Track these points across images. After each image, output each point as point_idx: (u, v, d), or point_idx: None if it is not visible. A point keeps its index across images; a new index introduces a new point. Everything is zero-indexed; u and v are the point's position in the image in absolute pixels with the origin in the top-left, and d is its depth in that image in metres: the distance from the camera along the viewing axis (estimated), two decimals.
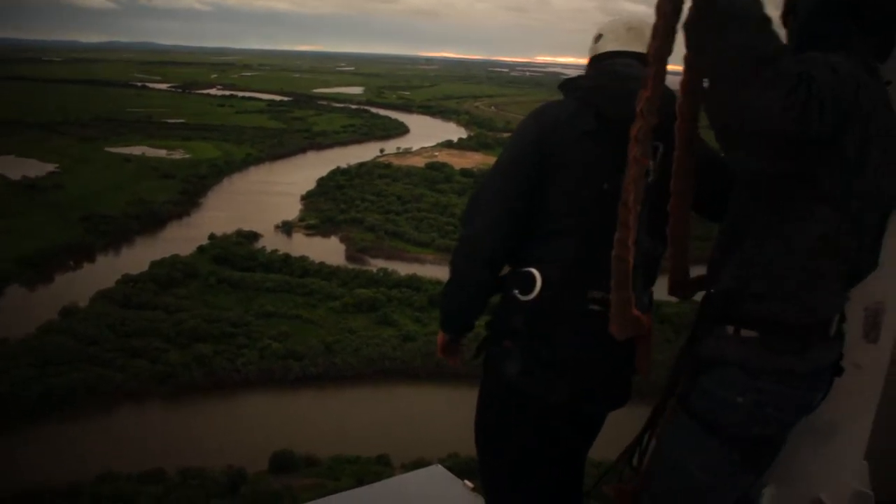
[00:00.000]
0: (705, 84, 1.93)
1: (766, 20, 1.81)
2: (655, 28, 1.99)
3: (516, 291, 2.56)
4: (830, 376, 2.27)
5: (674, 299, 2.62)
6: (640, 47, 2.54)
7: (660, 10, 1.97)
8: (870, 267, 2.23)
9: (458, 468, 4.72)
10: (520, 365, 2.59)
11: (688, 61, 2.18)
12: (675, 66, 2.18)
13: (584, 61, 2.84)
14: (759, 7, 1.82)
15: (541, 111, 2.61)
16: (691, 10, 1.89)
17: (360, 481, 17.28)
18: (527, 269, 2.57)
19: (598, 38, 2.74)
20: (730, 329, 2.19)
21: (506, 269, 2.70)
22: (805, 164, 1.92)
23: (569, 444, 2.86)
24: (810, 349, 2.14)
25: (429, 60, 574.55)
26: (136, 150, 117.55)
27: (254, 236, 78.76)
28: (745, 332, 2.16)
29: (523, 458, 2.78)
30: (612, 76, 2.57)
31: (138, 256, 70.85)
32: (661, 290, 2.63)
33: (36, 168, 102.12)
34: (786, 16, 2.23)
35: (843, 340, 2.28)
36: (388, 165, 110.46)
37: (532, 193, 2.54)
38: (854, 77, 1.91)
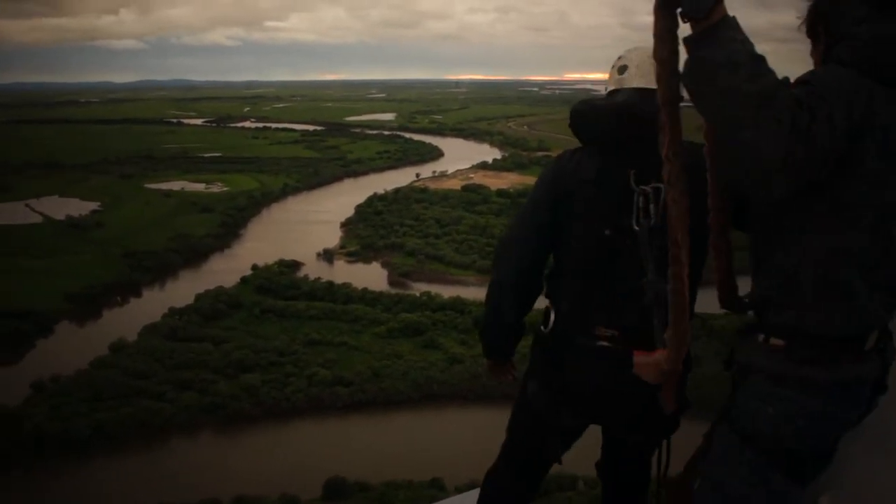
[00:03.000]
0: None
1: (756, 60, 1.80)
2: (658, 75, 2.03)
3: (542, 327, 2.83)
4: (872, 393, 2.24)
5: (721, 312, 2.69)
6: None
7: (657, 56, 2.00)
8: None
9: None
10: (536, 386, 2.88)
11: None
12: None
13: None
14: (747, 49, 1.80)
15: (558, 158, 2.78)
16: (686, 61, 1.90)
17: None
18: (548, 306, 2.83)
19: (623, 69, 2.76)
20: (760, 338, 2.24)
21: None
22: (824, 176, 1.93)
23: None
24: (837, 361, 2.12)
25: (458, 83, 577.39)
26: (175, 186, 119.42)
27: (296, 265, 79.33)
28: (773, 342, 2.20)
29: (528, 458, 3.10)
30: (629, 118, 2.61)
31: (183, 290, 71.77)
32: (710, 301, 2.66)
33: (78, 207, 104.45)
34: (813, 25, 2.20)
35: (884, 357, 2.23)
36: (425, 189, 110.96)
37: (552, 235, 2.75)
38: (866, 86, 1.92)
